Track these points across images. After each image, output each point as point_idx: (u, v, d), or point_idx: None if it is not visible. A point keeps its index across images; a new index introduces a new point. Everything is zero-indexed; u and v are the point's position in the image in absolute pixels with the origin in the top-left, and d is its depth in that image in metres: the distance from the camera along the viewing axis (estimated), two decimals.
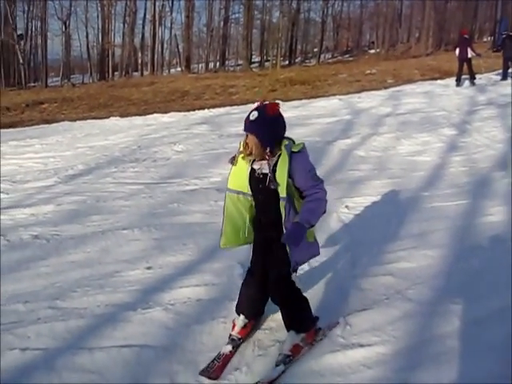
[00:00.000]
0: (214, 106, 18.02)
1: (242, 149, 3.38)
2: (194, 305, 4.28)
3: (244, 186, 3.43)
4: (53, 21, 48.77)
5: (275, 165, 3.27)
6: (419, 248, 5.16)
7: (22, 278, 4.98)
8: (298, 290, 3.60)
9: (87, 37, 52.78)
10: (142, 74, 48.41)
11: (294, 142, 3.35)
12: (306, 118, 13.87)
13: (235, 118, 14.05)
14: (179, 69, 51.09)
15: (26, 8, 48.01)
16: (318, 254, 3.60)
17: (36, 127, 17.06)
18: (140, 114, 17.70)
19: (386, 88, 20.47)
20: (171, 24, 52.95)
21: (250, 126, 3.27)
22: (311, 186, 3.28)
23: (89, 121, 17.07)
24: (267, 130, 3.23)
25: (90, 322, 4.09)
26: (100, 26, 50.64)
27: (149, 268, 5.03)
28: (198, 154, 9.92)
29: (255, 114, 3.25)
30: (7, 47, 44.90)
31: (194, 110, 17.69)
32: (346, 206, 6.57)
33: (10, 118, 20.24)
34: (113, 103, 22.05)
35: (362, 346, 3.60)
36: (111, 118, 17.25)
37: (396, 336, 3.68)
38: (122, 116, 17.54)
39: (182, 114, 16.72)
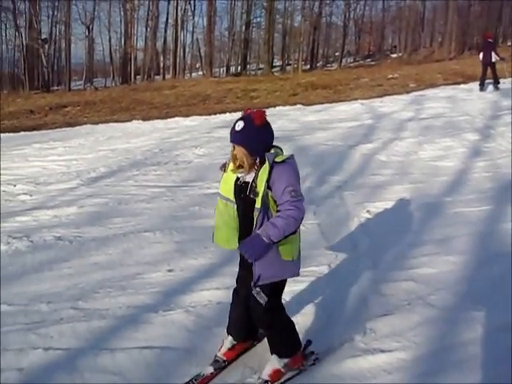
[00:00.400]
0: (235, 110, 18.05)
1: (231, 163, 3.27)
2: (214, 308, 4.29)
3: (231, 193, 3.30)
4: (76, 25, 49.35)
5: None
6: (441, 254, 5.13)
7: (45, 278, 5.04)
8: (281, 313, 3.41)
9: (110, 41, 53.24)
10: (163, 78, 48.67)
11: (282, 151, 3.22)
12: (327, 122, 13.85)
13: None
14: (201, 72, 51.32)
15: (51, 13, 48.66)
16: (295, 275, 3.33)
17: (59, 130, 17.26)
18: (162, 118, 17.82)
19: (408, 92, 20.36)
20: (193, 28, 53.24)
21: (236, 136, 3.12)
22: (286, 202, 3.02)
23: (111, 124, 17.22)
24: (255, 139, 3.09)
25: (112, 323, 4.12)
26: (123, 30, 51.09)
27: (170, 270, 5.06)
28: (219, 158, 9.94)
29: (241, 124, 3.10)
30: (32, 51, 45.44)
31: (215, 113, 17.77)
32: (368, 211, 6.55)
33: (34, 121, 20.51)
34: (135, 106, 22.23)
35: (382, 351, 3.59)
36: (133, 121, 17.39)
37: (417, 342, 3.66)
38: (144, 119, 17.68)
39: (204, 117, 16.80)
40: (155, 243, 5.81)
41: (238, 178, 3.24)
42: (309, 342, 3.60)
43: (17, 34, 47.19)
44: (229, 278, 4.73)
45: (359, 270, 4.87)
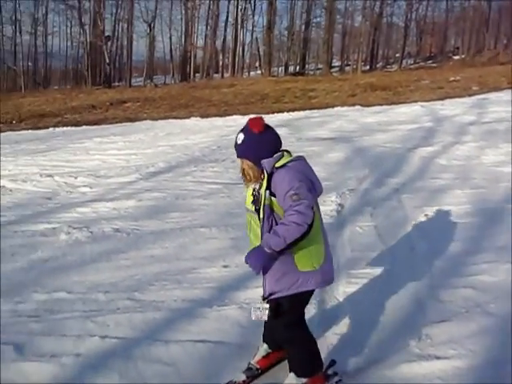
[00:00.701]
0: (293, 110, 18.06)
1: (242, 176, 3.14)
2: None
3: (251, 205, 3.12)
4: (138, 23, 50.38)
5: None
6: (501, 261, 4.97)
7: (103, 268, 5.15)
8: (301, 329, 3.19)
9: (171, 39, 54.20)
10: (222, 76, 49.11)
11: (289, 154, 3.05)
12: (386, 123, 13.67)
13: (315, 121, 14.04)
14: (259, 71, 51.48)
15: (114, 11, 49.90)
16: (320, 285, 3.09)
17: (119, 125, 17.64)
18: (220, 115, 17.99)
19: (470, 95, 19.91)
20: (253, 27, 53.51)
21: (239, 150, 3.03)
22: (289, 207, 2.82)
23: (170, 120, 17.49)
24: (257, 148, 2.97)
25: (167, 316, 4.17)
26: (183, 29, 51.86)
27: (225, 266, 5.09)
28: None
29: (241, 136, 3.01)
30: (95, 48, 46.67)
31: (273, 112, 17.81)
32: (426, 215, 6.43)
33: (96, 116, 21.03)
34: (193, 104, 22.50)
35: (438, 358, 3.50)
36: (192, 118, 17.61)
37: (474, 350, 3.55)
38: (202, 116, 17.88)
39: (262, 116, 16.82)
40: (211, 239, 5.86)
41: (254, 189, 3.09)
42: (333, 362, 3.41)
43: (81, 31, 48.61)
44: None
45: (416, 275, 4.78)
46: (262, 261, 2.91)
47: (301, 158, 3.04)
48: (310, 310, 3.96)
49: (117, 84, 47.77)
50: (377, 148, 10.58)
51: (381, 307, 4.18)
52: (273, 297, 3.06)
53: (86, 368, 3.52)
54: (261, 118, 3.02)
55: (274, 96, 23.68)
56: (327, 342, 3.75)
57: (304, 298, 3.13)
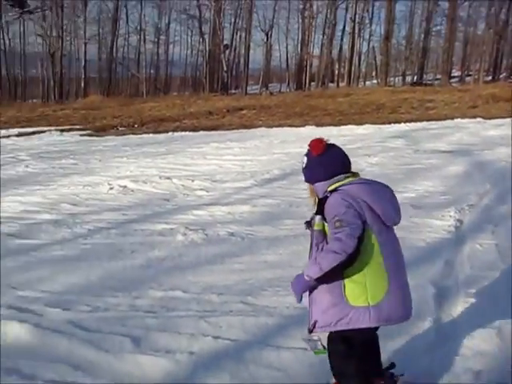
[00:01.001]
0: (410, 121, 17.64)
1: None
2: None
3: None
4: (256, 32, 51.22)
5: None
6: None
7: (217, 271, 5.26)
8: (343, 359, 2.94)
9: (287, 47, 54.72)
10: (337, 85, 48.86)
11: (355, 176, 2.87)
12: (510, 137, 12.99)
13: (432, 133, 13.64)
14: (375, 81, 50.76)
15: (233, 20, 51.02)
16: (364, 326, 2.75)
17: (235, 131, 18.00)
18: (335, 125, 17.91)
19: None
20: (370, 36, 52.93)
21: (304, 174, 2.99)
22: (332, 234, 2.68)
23: (285, 128, 17.63)
24: (316, 172, 2.88)
25: (279, 321, 4.17)
26: (300, 38, 52.13)
27: None
28: (392, 168, 9.75)
29: (304, 160, 2.96)
30: (213, 56, 48.01)
31: (389, 123, 17.49)
32: None
33: (213, 122, 21.60)
34: (308, 112, 22.55)
35: None
36: (307, 126, 17.66)
37: None
38: (317, 125, 17.89)
39: (377, 126, 16.60)
40: None
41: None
42: (392, 365, 3.18)
43: (201, 40, 50.21)
44: None
45: None
46: (302, 289, 2.83)
47: (361, 181, 2.84)
48: (424, 326, 3.82)
49: (233, 91, 48.88)
50: (499, 163, 10.08)
51: (499, 328, 3.96)
52: (319, 330, 2.88)
53: (198, 366, 3.59)
54: (320, 140, 2.91)
55: (391, 106, 23.26)
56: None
57: (358, 337, 2.88)
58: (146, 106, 30.01)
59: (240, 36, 52.51)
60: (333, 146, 2.93)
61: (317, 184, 2.88)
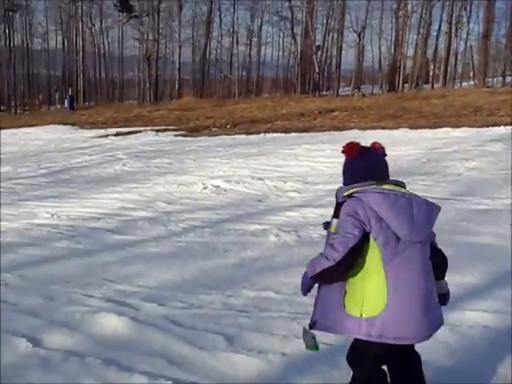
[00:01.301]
0: (509, 124, 16.86)
1: None
2: (480, 330, 4.02)
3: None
4: (348, 33, 50.67)
5: None
6: None
7: None
8: (353, 367, 2.97)
9: (380, 48, 53.84)
10: (432, 87, 47.59)
11: (385, 183, 2.77)
12: None
13: None
14: (472, 82, 49.01)
15: (325, 21, 50.79)
16: (364, 336, 2.67)
17: (327, 133, 17.91)
18: (430, 127, 17.40)
19: None
20: (467, 35, 51.03)
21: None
22: (330, 240, 2.75)
23: (378, 130, 17.33)
24: (346, 175, 2.91)
25: None
26: (393, 38, 51.11)
27: None
28: (491, 173, 9.38)
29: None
30: (305, 57, 47.95)
31: (487, 126, 16.80)
32: None
33: (304, 123, 21.58)
34: (402, 114, 22.04)
35: None
36: (400, 129, 17.29)
37: None
38: (411, 128, 17.46)
39: (475, 129, 16.00)
40: None
41: None
42: None
43: (293, 41, 50.25)
44: (500, 302, 4.43)
45: None
46: (306, 284, 2.91)
47: (377, 190, 2.70)
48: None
49: (324, 93, 48.65)
50: None
51: None
52: (315, 329, 2.91)
53: (290, 368, 3.61)
54: (353, 144, 2.89)
55: (489, 108, 22.32)
56: None
57: (365, 346, 2.76)
58: (238, 108, 30.40)
59: (332, 37, 52.22)
60: (368, 151, 2.87)
61: (342, 187, 2.89)
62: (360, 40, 49.86)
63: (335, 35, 50.76)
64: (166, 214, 7.78)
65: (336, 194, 2.89)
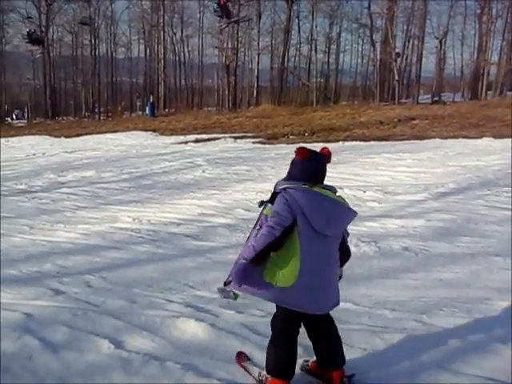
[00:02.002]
0: None
1: None
2: None
3: None
4: (429, 39, 49.56)
5: None
6: None
7: (390, 285, 5.15)
8: (276, 332, 3.53)
9: (462, 55, 52.35)
10: None
11: (314, 185, 3.33)
12: None
13: None
14: None
15: (405, 28, 49.94)
16: (273, 301, 3.42)
17: (407, 142, 17.56)
18: None
19: None
20: None
21: None
22: (267, 221, 3.30)
23: (460, 139, 16.86)
24: (290, 170, 3.47)
25: (456, 345, 3.95)
26: (476, 44, 49.58)
27: None
28: None
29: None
30: (384, 65, 47.27)
31: None
32: None
33: (383, 132, 21.27)
34: (485, 123, 21.33)
35: None
36: (484, 138, 16.75)
37: None
38: (495, 137, 16.87)
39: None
40: (504, 269, 5.44)
41: None
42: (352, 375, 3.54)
43: (372, 48, 49.66)
44: None
45: None
46: (240, 272, 3.24)
47: (305, 190, 3.31)
48: None
49: (404, 101, 47.81)
50: None
51: None
52: (230, 287, 3.39)
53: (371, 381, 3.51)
54: (303, 149, 3.43)
55: None
56: None
57: (284, 310, 3.40)
58: (317, 115, 30.31)
59: (412, 43, 51.31)
60: (315, 155, 3.43)
61: (281, 180, 3.44)
62: (441, 46, 48.68)
63: (415, 42, 49.85)
64: (245, 222, 7.81)
65: (275, 185, 3.43)
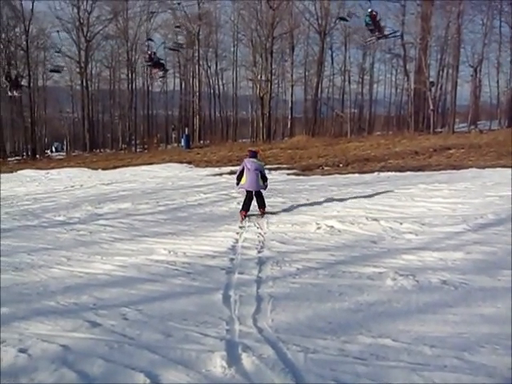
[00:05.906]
0: None
1: None
2: None
3: None
4: (464, 67, 49.25)
5: None
6: None
7: (429, 321, 5.01)
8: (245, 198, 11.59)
9: (498, 82, 51.84)
10: None
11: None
12: None
13: None
14: None
15: (439, 57, 49.83)
16: (240, 188, 11.81)
17: (443, 172, 17.35)
18: None
19: None
20: None
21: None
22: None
23: (498, 169, 16.59)
24: (251, 153, 11.79)
25: None
26: None
27: None
28: None
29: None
30: (418, 94, 47.05)
31: None
32: None
33: (419, 162, 21.08)
34: None
35: None
36: None
37: None
38: None
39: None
40: None
41: None
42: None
43: (405, 78, 49.58)
44: None
45: None
46: (236, 183, 11.83)
47: (248, 160, 11.38)
48: None
49: (439, 130, 47.39)
50: None
51: None
52: (237, 187, 12.03)
53: None
54: (256, 149, 12.70)
55: None
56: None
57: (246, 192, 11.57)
58: (351, 146, 30.27)
59: (447, 72, 51.05)
60: (255, 152, 11.89)
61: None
62: (476, 74, 48.29)
63: (450, 70, 49.58)
64: (281, 254, 7.77)
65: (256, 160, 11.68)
